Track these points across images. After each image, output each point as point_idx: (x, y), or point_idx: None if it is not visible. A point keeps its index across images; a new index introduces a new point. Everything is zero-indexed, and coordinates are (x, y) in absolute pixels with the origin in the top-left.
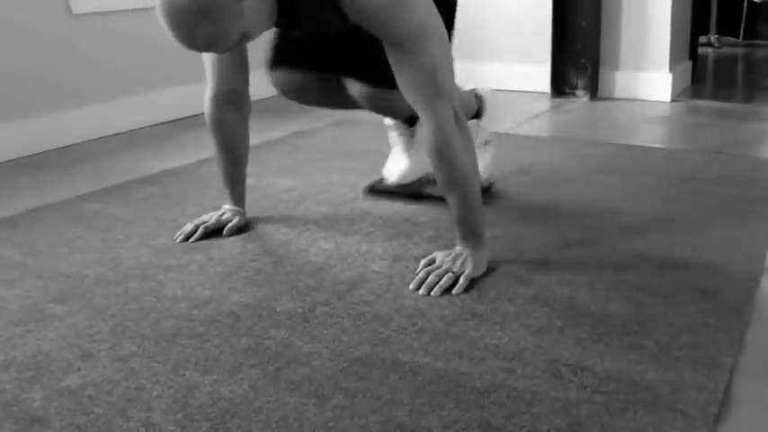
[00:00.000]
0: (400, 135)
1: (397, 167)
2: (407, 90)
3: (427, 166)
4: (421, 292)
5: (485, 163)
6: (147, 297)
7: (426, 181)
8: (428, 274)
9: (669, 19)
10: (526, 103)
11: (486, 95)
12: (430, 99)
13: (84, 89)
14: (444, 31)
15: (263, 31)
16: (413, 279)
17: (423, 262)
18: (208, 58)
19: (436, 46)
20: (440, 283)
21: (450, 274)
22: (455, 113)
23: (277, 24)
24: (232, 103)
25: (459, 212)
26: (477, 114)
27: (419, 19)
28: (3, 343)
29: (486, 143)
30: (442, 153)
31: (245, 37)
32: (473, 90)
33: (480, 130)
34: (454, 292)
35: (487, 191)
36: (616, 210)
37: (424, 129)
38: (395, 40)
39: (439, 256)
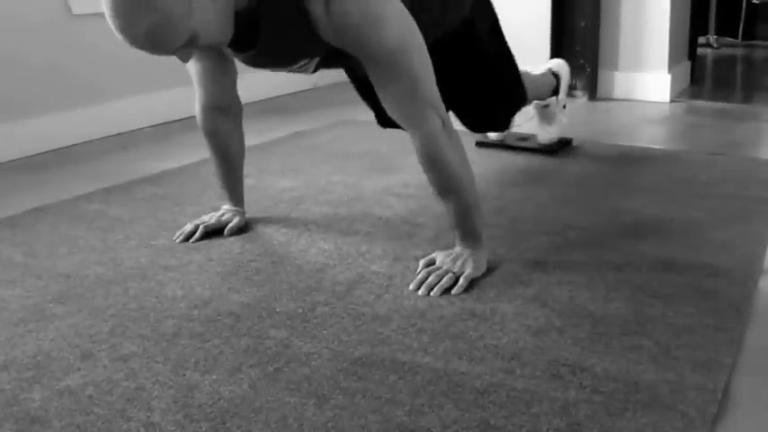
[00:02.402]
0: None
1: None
2: (392, 106)
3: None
4: (421, 292)
5: (562, 124)
6: (147, 297)
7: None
8: (428, 275)
9: (668, 19)
10: None
11: (561, 70)
12: (416, 112)
13: (84, 89)
14: (422, 41)
15: (217, 40)
16: (412, 279)
17: (422, 262)
18: (193, 67)
19: (416, 59)
20: (440, 284)
21: (450, 274)
22: (442, 121)
23: (234, 40)
24: (222, 110)
25: (457, 216)
26: (556, 91)
27: (397, 34)
28: (3, 343)
29: (564, 107)
30: (434, 162)
31: (194, 39)
32: (548, 70)
33: (558, 102)
34: (454, 292)
35: (568, 144)
36: (615, 210)
37: (413, 141)
38: (374, 57)
39: (439, 256)
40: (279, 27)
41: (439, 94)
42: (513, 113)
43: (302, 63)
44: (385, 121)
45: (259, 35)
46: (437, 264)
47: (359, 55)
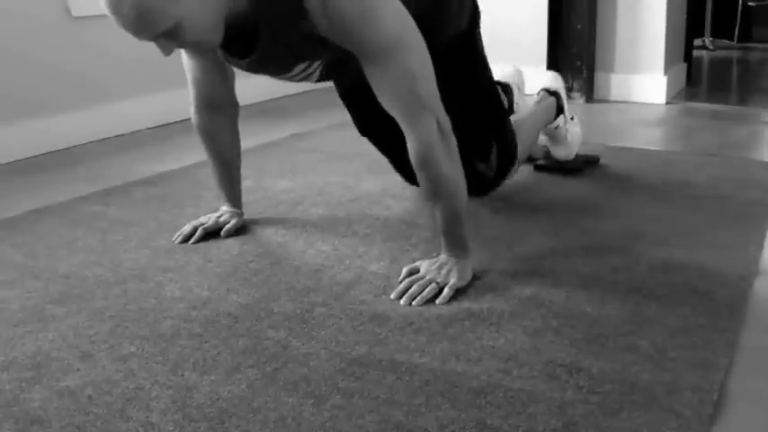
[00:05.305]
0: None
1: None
2: (388, 104)
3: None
4: (402, 302)
5: (578, 136)
6: (146, 298)
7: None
8: (411, 284)
9: (664, 21)
10: None
11: (556, 85)
12: (412, 111)
13: (83, 91)
14: (422, 41)
15: (204, 38)
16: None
17: (405, 271)
18: (187, 65)
19: (413, 57)
20: (422, 294)
21: (433, 284)
22: (438, 123)
23: (232, 47)
24: (216, 109)
25: (446, 223)
26: (560, 109)
27: (392, 29)
28: (3, 343)
29: (573, 118)
30: (427, 164)
31: (178, 29)
32: (543, 92)
33: (566, 117)
34: (438, 302)
35: (595, 163)
36: (611, 211)
37: (407, 141)
38: (368, 52)
39: (423, 265)
40: (278, 30)
41: (438, 95)
42: (506, 161)
43: (303, 67)
44: (365, 128)
45: (258, 40)
46: (421, 272)
47: (354, 50)
